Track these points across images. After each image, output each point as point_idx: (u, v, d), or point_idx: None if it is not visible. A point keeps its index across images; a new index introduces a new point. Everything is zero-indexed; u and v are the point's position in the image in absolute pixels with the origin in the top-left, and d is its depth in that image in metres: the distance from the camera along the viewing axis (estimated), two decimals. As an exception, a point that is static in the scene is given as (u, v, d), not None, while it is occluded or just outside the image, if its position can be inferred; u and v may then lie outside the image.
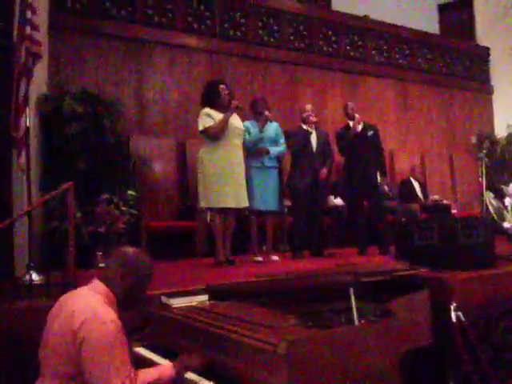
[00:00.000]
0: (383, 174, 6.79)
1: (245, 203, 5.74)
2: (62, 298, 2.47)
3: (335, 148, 6.86)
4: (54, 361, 2.29)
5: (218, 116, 5.59)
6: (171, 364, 2.46)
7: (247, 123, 6.11)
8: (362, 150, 6.50)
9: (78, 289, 2.51)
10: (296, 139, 6.45)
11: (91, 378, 2.21)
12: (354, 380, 2.26)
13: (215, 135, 5.56)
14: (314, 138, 6.52)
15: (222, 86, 5.77)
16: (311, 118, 6.55)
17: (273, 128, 6.27)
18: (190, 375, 2.49)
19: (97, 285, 2.48)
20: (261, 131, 6.16)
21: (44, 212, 5.86)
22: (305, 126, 6.55)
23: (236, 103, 5.69)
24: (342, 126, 6.99)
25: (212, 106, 5.66)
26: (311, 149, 6.48)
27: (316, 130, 6.59)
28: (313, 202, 6.44)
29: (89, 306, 2.32)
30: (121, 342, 2.29)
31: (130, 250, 2.60)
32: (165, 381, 2.37)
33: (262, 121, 6.19)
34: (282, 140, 6.35)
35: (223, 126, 5.56)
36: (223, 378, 2.36)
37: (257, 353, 2.21)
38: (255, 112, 6.31)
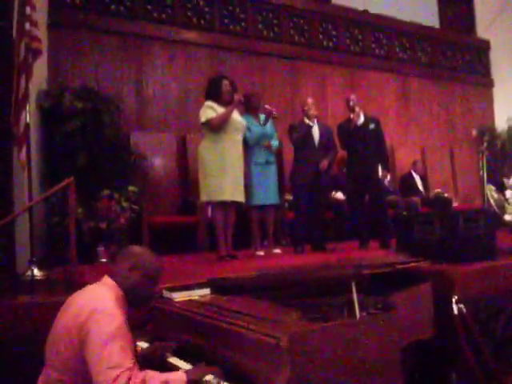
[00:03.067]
0: (385, 168, 6.77)
1: (241, 198, 5.73)
2: (74, 294, 2.51)
3: (337, 142, 6.83)
4: (61, 353, 2.32)
5: (220, 110, 5.58)
6: (183, 373, 2.35)
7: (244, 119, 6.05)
8: (364, 143, 6.47)
9: (89, 285, 2.55)
10: (298, 133, 6.44)
11: (92, 367, 2.23)
12: (355, 373, 2.27)
13: (217, 127, 5.54)
14: (315, 132, 6.50)
15: (225, 82, 5.77)
16: (311, 111, 6.54)
17: (269, 123, 6.28)
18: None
19: (106, 280, 2.53)
20: (264, 125, 6.18)
21: (45, 208, 5.86)
22: (307, 120, 6.54)
23: (238, 97, 5.69)
24: (342, 119, 6.97)
25: (215, 101, 5.66)
26: (313, 143, 6.47)
27: (318, 123, 6.58)
28: (314, 197, 6.44)
29: (96, 299, 2.39)
30: (124, 334, 2.32)
31: (139, 248, 2.69)
32: None
33: (266, 115, 6.19)
34: (276, 134, 6.37)
35: (226, 117, 5.55)
36: (225, 372, 2.37)
37: (259, 346, 2.22)
38: (250, 107, 6.30)
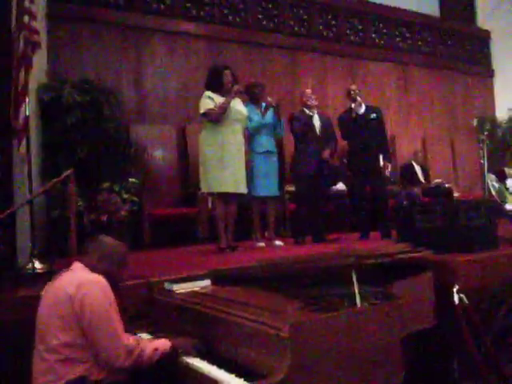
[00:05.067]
0: (386, 158, 6.74)
1: (244, 189, 5.71)
2: (49, 284, 2.63)
3: (338, 133, 6.80)
4: (53, 336, 2.41)
5: (220, 100, 5.57)
6: (167, 340, 2.61)
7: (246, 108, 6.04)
8: (365, 133, 6.43)
9: (61, 272, 2.65)
10: (299, 123, 6.43)
11: (99, 337, 2.39)
12: (356, 362, 2.27)
13: (215, 118, 5.53)
14: (316, 122, 6.49)
15: (226, 72, 5.75)
16: (311, 101, 6.54)
17: (271, 113, 6.26)
18: (193, 360, 2.51)
19: (78, 266, 2.65)
20: (263, 116, 6.18)
21: (46, 201, 5.86)
22: (307, 110, 6.53)
23: (237, 88, 5.67)
24: (342, 109, 6.95)
25: (215, 91, 5.65)
26: (315, 132, 6.46)
27: (318, 113, 6.57)
28: (316, 187, 6.43)
29: (78, 274, 2.55)
30: (114, 302, 2.52)
31: (105, 238, 2.80)
32: (161, 352, 2.52)
33: (265, 107, 6.19)
34: (280, 125, 6.35)
35: (224, 108, 5.53)
36: (227, 362, 2.38)
37: (260, 336, 2.23)
38: (253, 97, 6.31)
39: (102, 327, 2.38)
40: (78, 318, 2.38)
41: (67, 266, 2.68)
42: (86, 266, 2.63)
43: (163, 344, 2.55)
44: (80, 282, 2.45)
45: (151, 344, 2.53)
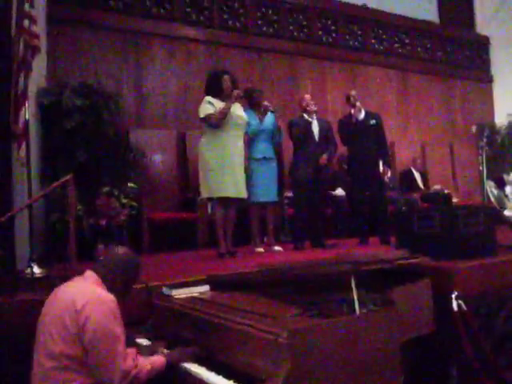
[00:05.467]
0: (386, 164, 6.74)
1: (244, 194, 5.72)
2: (59, 288, 2.60)
3: (338, 138, 6.80)
4: (54, 343, 2.39)
5: (220, 105, 5.58)
6: (162, 356, 2.60)
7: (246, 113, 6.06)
8: (365, 139, 6.45)
9: (74, 279, 2.66)
10: (297, 129, 6.43)
11: (97, 357, 2.35)
12: (355, 369, 2.27)
13: (215, 123, 5.54)
14: (315, 128, 6.49)
15: (225, 77, 5.76)
16: (311, 106, 6.54)
17: (270, 119, 6.27)
18: (190, 365, 2.51)
19: (91, 275, 2.63)
20: (261, 122, 6.19)
21: (45, 205, 5.86)
22: (306, 116, 6.53)
23: (237, 92, 5.68)
24: (342, 115, 6.96)
25: (215, 96, 5.66)
26: (313, 138, 6.46)
27: (317, 119, 6.58)
28: (314, 193, 6.43)
29: (89, 288, 2.52)
30: (120, 320, 2.47)
31: (121, 249, 2.81)
32: (156, 370, 2.50)
33: (263, 112, 6.21)
34: (279, 132, 6.35)
35: (224, 113, 5.54)
36: (225, 368, 2.37)
37: (259, 342, 2.22)
38: (252, 102, 6.32)
39: (100, 350, 2.35)
40: (80, 335, 2.36)
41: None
42: (98, 275, 2.62)
43: (157, 364, 2.52)
44: (89, 299, 2.41)
45: (146, 364, 2.48)
